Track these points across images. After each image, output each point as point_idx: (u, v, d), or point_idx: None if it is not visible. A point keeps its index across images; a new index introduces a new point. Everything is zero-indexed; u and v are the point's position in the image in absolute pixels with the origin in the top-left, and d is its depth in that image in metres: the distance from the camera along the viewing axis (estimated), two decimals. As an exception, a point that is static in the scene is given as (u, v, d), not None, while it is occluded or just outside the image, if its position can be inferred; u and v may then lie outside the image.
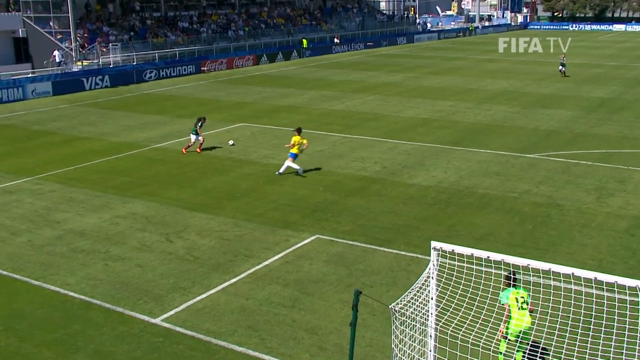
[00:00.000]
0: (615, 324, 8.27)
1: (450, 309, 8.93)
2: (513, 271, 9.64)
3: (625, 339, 8.08)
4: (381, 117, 31.88)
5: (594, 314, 8.58)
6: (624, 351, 8.22)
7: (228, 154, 24.33)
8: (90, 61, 47.14)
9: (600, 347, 8.10)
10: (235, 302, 12.51)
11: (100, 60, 47.41)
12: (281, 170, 21.09)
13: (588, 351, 8.09)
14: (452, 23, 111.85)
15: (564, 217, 17.12)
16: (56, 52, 45.06)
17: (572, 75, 46.72)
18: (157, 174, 21.84)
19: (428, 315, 8.69)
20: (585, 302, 8.54)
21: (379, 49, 73.25)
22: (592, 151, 22.99)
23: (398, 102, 36.22)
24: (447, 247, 8.34)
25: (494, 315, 9.19)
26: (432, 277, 8.49)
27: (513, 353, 9.67)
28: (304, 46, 64.44)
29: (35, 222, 17.21)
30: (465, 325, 8.73)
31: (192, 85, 45.10)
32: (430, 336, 8.73)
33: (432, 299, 8.52)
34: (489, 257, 8.06)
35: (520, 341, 9.43)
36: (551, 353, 8.48)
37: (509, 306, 9.53)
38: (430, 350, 8.72)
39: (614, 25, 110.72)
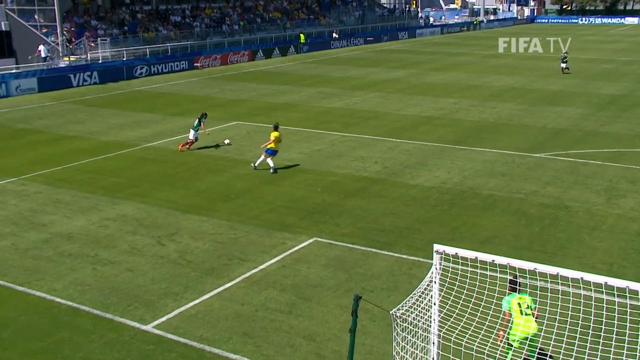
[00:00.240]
0: (627, 332, 8.27)
1: (454, 315, 8.93)
2: (516, 275, 9.64)
3: (638, 347, 8.08)
4: (382, 115, 31.90)
5: (604, 320, 8.56)
6: None
7: (222, 154, 24.32)
8: (78, 56, 47.13)
9: (611, 356, 8.10)
10: (230, 307, 12.51)
11: (89, 55, 47.40)
12: (273, 168, 21.50)
13: None
14: (456, 17, 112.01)
15: (573, 219, 17.14)
16: (41, 47, 45.02)
17: (582, 71, 46.81)
18: (148, 174, 21.83)
19: (430, 322, 8.70)
20: (595, 309, 8.52)
21: (379, 44, 73.29)
22: (602, 150, 23.02)
23: (399, 100, 36.23)
24: (451, 250, 8.35)
25: (499, 321, 9.19)
26: (435, 282, 8.50)
27: (519, 360, 9.66)
28: (302, 41, 64.46)
29: (20, 224, 17.19)
30: (470, 332, 8.73)
31: (184, 81, 45.07)
32: (433, 343, 8.74)
33: (434, 304, 8.53)
34: (494, 260, 8.07)
35: (527, 349, 9.42)
36: (559, 361, 8.48)
37: (509, 311, 9.52)
38: (432, 358, 8.73)
39: (626, 18, 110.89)
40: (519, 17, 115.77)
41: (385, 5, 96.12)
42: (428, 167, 22.20)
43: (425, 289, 8.72)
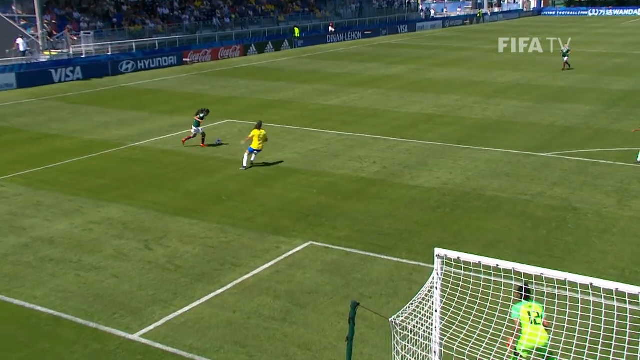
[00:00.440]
0: None
1: (456, 323, 8.95)
2: (526, 282, 9.63)
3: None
4: (380, 112, 31.93)
5: (615, 329, 8.55)
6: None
7: (213, 154, 24.32)
8: (60, 51, 47.05)
9: (621, 365, 8.12)
10: (221, 315, 12.50)
11: (71, 49, 47.33)
12: (244, 166, 22.07)
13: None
14: (459, 9, 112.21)
15: (582, 221, 17.18)
16: (20, 40, 44.82)
17: (592, 66, 46.93)
18: (135, 175, 21.82)
19: (432, 329, 8.70)
20: (606, 316, 8.51)
21: (377, 39, 73.37)
22: (613, 149, 23.07)
23: (399, 97, 36.29)
24: (453, 254, 8.36)
25: (503, 329, 9.20)
26: (436, 288, 8.50)
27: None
28: (296, 35, 64.50)
29: None
30: (473, 341, 8.74)
31: (173, 78, 45.05)
32: (434, 352, 8.75)
33: (436, 311, 8.54)
34: (498, 265, 8.09)
35: (534, 359, 9.42)
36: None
37: (519, 320, 9.52)
38: (434, 368, 8.75)
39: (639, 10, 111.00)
40: (524, 10, 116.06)
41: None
42: (429, 167, 22.23)
43: (426, 295, 8.73)
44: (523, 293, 9.74)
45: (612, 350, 8.27)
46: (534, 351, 9.39)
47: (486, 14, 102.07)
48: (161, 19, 57.77)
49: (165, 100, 36.26)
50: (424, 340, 8.79)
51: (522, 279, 9.18)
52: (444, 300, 8.80)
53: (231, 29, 62.34)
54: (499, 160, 22.97)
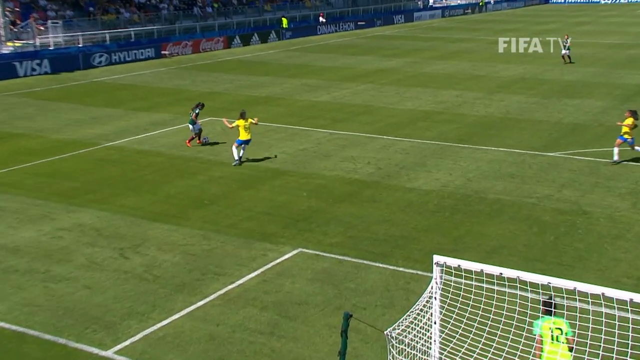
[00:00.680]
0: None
1: (457, 336, 8.96)
2: (551, 295, 9.35)
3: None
4: (375, 109, 31.97)
5: (630, 342, 8.56)
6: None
7: (195, 154, 24.29)
8: (24, 42, 46.80)
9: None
10: (204, 329, 12.48)
11: (37, 40, 47.07)
12: (237, 160, 22.55)
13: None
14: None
15: (593, 226, 17.24)
16: (-22, 30, 44.73)
17: (604, 59, 47.15)
18: (109, 177, 21.75)
19: (430, 343, 8.71)
20: (620, 329, 8.51)
21: (372, 30, 73.45)
22: (627, 148, 23.11)
23: (395, 92, 36.34)
24: (453, 262, 8.37)
25: (508, 343, 9.20)
26: (435, 298, 8.52)
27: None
28: (284, 26, 64.51)
29: (-39, 235, 17.10)
30: (475, 355, 8.76)
31: (150, 72, 44.95)
32: (434, 368, 8.76)
33: (435, 323, 8.55)
34: (501, 273, 8.10)
35: None
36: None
37: (540, 337, 9.31)
38: (433, 385, 8.76)
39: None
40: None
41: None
42: (427, 168, 22.27)
43: (425, 305, 8.74)
44: (549, 308, 9.36)
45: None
46: None
47: (489, 2, 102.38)
48: (137, 8, 57.65)
49: (142, 96, 36.17)
50: (422, 354, 8.80)
51: (550, 292, 8.96)
52: (444, 311, 8.81)
53: (213, 19, 62.27)
54: (503, 160, 23.03)
